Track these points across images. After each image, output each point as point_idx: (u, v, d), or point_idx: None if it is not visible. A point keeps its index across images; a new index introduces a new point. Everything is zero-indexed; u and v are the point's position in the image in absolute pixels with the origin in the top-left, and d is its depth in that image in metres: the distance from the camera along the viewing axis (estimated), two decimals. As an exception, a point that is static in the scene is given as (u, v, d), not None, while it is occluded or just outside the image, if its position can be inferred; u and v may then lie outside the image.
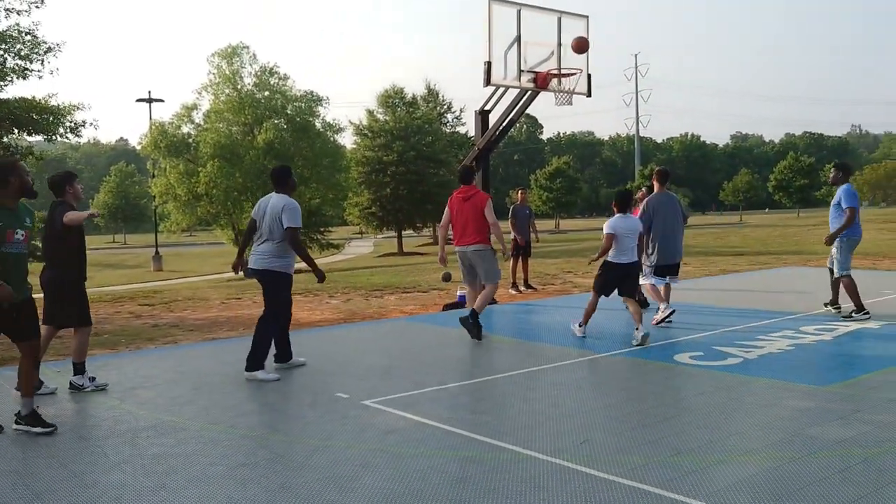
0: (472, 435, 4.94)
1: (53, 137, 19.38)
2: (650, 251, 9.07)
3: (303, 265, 7.10)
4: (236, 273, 7.14)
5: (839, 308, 9.57)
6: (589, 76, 11.40)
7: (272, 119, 35.77)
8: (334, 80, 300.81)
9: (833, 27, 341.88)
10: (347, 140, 52.93)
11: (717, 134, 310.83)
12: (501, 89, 11.41)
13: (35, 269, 5.69)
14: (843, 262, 9.24)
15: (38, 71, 18.79)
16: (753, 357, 7.13)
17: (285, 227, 6.68)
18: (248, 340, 6.88)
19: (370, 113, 53.04)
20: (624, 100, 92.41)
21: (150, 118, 38.51)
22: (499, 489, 3.99)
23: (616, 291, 8.31)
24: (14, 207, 5.05)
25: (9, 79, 18.42)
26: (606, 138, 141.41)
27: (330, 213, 42.28)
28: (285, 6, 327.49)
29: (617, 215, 8.26)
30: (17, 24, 18.37)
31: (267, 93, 36.56)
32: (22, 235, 5.06)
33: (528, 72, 11.01)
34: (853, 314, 9.14)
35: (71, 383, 6.40)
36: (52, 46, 18.81)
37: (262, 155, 34.15)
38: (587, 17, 11.51)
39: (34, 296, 5.36)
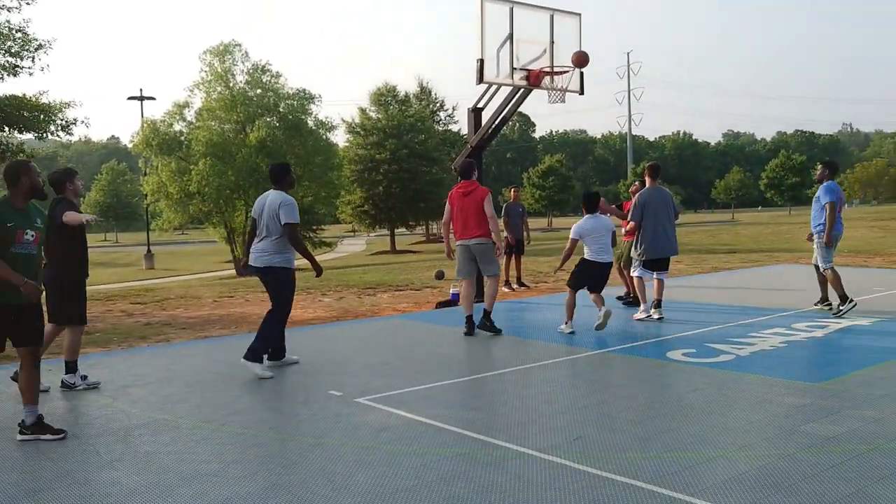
0: (465, 432, 4.94)
1: (44, 135, 19.29)
2: (638, 245, 9.21)
3: (301, 262, 7.10)
4: (241, 276, 7.14)
5: (830, 305, 9.61)
6: (581, 74, 11.40)
7: (264, 117, 35.72)
8: (334, 80, 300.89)
9: (825, 26, 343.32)
10: (340, 138, 52.91)
11: (709, 132, 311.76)
12: (494, 87, 11.41)
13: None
14: (825, 256, 9.38)
15: (29, 68, 18.75)
16: (746, 354, 7.15)
17: (283, 223, 6.71)
18: (241, 338, 6.88)
19: (363, 111, 53.02)
20: (616, 98, 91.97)
21: (142, 116, 38.36)
22: (492, 486, 3.99)
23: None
24: (24, 208, 4.97)
25: (-1, 76, 18.36)
26: (599, 136, 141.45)
27: (322, 211, 42.30)
28: (285, 6, 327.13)
29: (585, 217, 8.51)
30: (8, 22, 18.32)
31: (259, 90, 36.51)
32: (32, 236, 4.97)
33: (521, 69, 11.01)
34: (839, 307, 9.24)
35: (63, 382, 6.37)
36: (42, 43, 18.76)
37: (254, 153, 34.09)
38: (579, 14, 11.52)
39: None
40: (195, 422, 5.35)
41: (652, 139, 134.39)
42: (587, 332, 8.43)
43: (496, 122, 11.62)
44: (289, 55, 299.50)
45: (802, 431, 4.80)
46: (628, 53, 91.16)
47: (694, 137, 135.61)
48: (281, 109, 36.44)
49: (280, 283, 6.88)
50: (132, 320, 11.07)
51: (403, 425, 5.15)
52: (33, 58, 18.62)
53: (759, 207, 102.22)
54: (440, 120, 60.95)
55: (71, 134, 19.94)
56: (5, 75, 18.50)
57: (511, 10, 10.81)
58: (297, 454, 4.62)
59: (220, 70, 35.94)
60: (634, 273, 9.50)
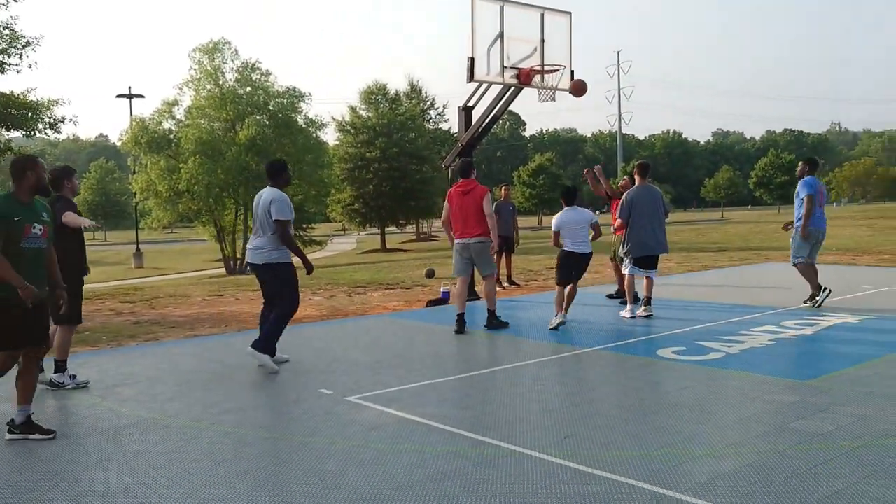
0: (456, 430, 4.94)
1: (32, 133, 19.15)
2: (626, 243, 9.30)
3: (292, 259, 7.10)
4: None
5: (816, 301, 9.69)
6: (572, 73, 11.42)
7: (254, 115, 35.60)
8: (334, 80, 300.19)
9: (815, 25, 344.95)
10: (330, 136, 52.82)
11: (698, 131, 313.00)
12: (485, 85, 11.41)
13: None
14: (797, 249, 9.63)
15: (17, 65, 18.59)
16: (735, 352, 7.19)
17: (274, 219, 6.73)
18: (231, 337, 6.86)
19: (353, 109, 52.90)
20: (606, 97, 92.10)
21: (131, 114, 38.17)
22: (483, 484, 4.00)
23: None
24: (29, 202, 4.97)
25: (-14, 73, 18.21)
26: (589, 135, 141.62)
27: (312, 209, 42.19)
28: (285, 6, 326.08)
29: (564, 209, 8.80)
30: (-5, 18, 18.16)
31: (249, 88, 36.36)
32: (40, 230, 4.95)
33: (512, 68, 11.01)
34: (816, 297, 9.55)
35: (51, 381, 6.32)
36: (30, 40, 18.61)
37: (243, 151, 33.98)
38: (570, 13, 11.54)
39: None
40: (185, 421, 5.33)
41: (642, 138, 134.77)
42: (578, 331, 8.45)
43: (487, 120, 11.63)
44: (289, 55, 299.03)
45: (791, 428, 4.83)
46: (618, 52, 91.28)
47: (684, 136, 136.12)
48: (271, 107, 36.29)
49: (281, 282, 6.89)
50: (121, 319, 11.01)
51: (394, 423, 5.14)
52: (21, 55, 18.47)
53: (749, 206, 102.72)
54: (430, 118, 60.91)
55: (59, 132, 19.82)
56: (-7, 72, 18.37)
57: (502, 8, 10.80)
58: (287, 453, 4.61)
59: (209, 68, 35.78)
60: (625, 271, 9.60)
